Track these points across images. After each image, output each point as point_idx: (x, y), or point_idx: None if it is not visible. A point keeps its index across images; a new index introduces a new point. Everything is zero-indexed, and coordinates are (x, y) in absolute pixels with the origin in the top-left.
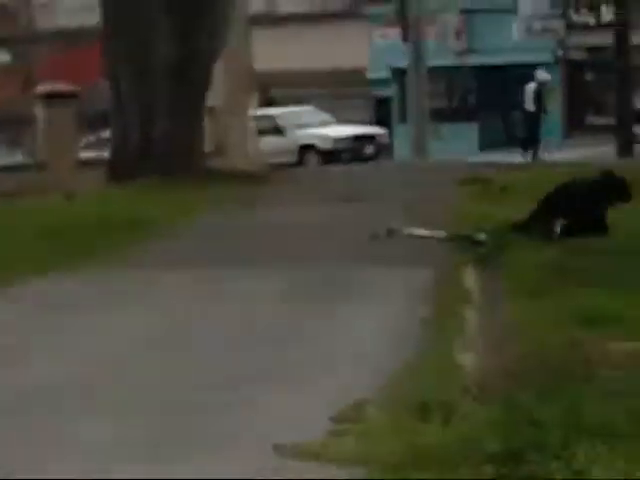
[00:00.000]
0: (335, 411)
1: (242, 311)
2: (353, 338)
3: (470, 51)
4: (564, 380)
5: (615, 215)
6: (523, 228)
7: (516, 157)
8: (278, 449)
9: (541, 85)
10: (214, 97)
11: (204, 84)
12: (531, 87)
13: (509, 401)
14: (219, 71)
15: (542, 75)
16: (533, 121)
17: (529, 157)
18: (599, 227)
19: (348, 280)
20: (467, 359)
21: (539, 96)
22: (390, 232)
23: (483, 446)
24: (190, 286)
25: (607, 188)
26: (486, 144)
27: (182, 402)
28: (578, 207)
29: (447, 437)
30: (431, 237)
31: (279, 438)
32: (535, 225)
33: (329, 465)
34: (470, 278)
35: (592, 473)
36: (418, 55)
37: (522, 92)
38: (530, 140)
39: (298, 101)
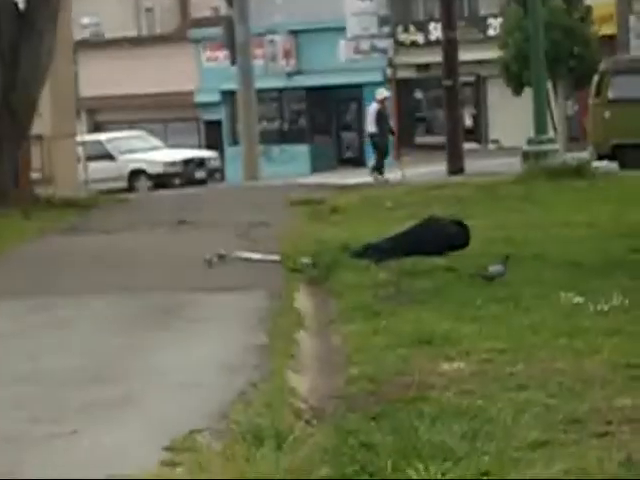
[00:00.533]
0: (168, 441)
1: (64, 342)
2: (185, 367)
3: (299, 72)
4: (397, 403)
5: None
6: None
7: (347, 178)
8: None
9: (382, 103)
10: (40, 125)
11: (29, 113)
12: (373, 107)
13: (341, 425)
14: (44, 99)
15: (382, 93)
16: (375, 142)
17: (378, 177)
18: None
19: (179, 307)
20: (300, 383)
21: (381, 115)
22: (221, 257)
23: (316, 472)
24: (19, 315)
25: (459, 236)
26: (317, 166)
27: (13, 433)
28: (432, 245)
29: (280, 464)
30: (263, 260)
31: (111, 470)
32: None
33: None
34: (303, 301)
35: None
36: (247, 77)
37: (360, 114)
38: (378, 160)
39: (127, 126)
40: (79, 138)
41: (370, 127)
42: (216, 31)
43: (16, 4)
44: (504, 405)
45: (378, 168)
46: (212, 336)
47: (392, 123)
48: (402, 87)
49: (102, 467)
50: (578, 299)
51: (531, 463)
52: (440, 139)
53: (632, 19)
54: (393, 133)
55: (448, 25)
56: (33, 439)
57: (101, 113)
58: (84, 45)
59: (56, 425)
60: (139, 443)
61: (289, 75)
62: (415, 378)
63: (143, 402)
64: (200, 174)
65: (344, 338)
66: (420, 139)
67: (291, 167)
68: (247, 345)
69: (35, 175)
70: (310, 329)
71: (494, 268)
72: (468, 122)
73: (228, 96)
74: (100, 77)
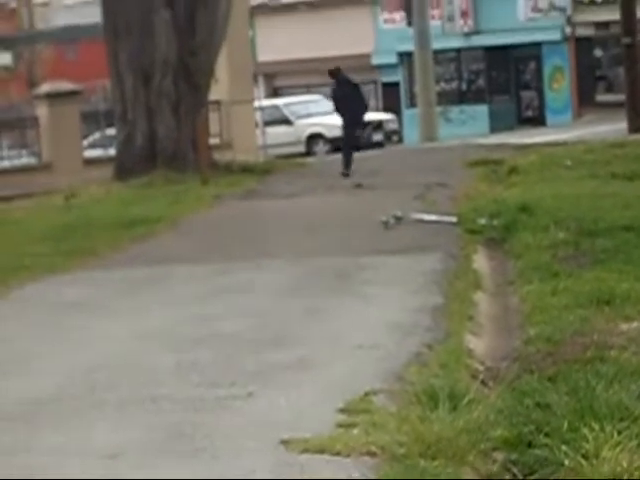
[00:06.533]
0: (344, 403)
1: (242, 306)
2: (364, 327)
3: (477, 32)
4: (574, 363)
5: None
6: None
7: (527, 138)
8: (287, 444)
9: None
10: (218, 90)
11: (206, 79)
12: None
13: (517, 386)
14: (221, 64)
15: None
16: None
17: None
18: None
19: (356, 269)
20: (477, 344)
21: None
22: (398, 219)
23: (492, 432)
24: (200, 280)
25: None
26: (496, 126)
27: (190, 396)
28: None
29: (455, 424)
30: (440, 222)
31: (289, 431)
32: None
33: (338, 458)
34: (481, 262)
35: (601, 456)
36: (424, 38)
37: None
38: None
39: (304, 90)
40: (257, 103)
41: None
42: None
43: None
44: None
45: None
46: (388, 298)
47: (569, 82)
48: (581, 45)
49: (277, 429)
50: None
51: None
52: (621, 97)
53: None
54: None
55: None
56: (210, 401)
57: (278, 78)
58: (261, 10)
59: (232, 388)
60: (315, 405)
61: (467, 35)
62: (593, 338)
63: (318, 364)
64: (378, 137)
65: (522, 299)
66: (601, 97)
67: (470, 127)
68: (423, 307)
69: (213, 141)
70: (488, 290)
71: None
72: None
73: (405, 58)
74: (277, 42)
